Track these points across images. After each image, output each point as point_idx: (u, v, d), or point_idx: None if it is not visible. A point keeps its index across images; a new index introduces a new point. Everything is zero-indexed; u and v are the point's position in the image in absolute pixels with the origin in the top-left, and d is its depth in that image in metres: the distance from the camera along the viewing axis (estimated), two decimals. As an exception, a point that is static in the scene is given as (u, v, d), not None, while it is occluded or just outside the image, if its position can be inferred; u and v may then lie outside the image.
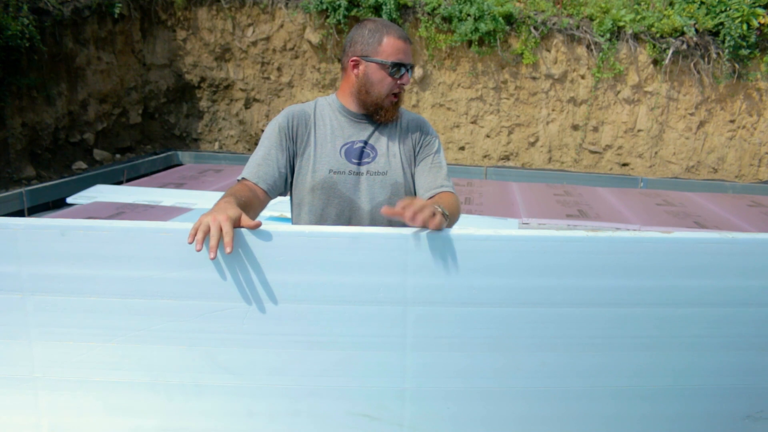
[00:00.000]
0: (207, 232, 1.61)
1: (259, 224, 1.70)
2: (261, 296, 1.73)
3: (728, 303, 1.77)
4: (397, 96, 2.12)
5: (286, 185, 2.15)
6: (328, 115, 2.16)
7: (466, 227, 1.79)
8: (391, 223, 2.08)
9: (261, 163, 2.06)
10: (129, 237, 1.69)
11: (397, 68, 2.07)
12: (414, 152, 2.22)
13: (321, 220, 2.12)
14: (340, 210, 2.11)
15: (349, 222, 2.12)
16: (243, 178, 2.05)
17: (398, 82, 2.09)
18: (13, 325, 1.74)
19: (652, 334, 1.78)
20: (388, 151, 2.16)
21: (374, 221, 2.12)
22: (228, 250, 1.60)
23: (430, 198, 2.11)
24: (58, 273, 1.71)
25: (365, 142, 2.15)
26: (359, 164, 2.12)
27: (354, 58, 2.10)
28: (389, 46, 2.07)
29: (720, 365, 1.82)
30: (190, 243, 1.61)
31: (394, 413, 1.80)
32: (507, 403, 1.82)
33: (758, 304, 1.78)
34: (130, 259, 1.70)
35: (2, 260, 1.70)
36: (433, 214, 1.70)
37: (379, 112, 2.13)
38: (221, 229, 1.61)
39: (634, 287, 1.74)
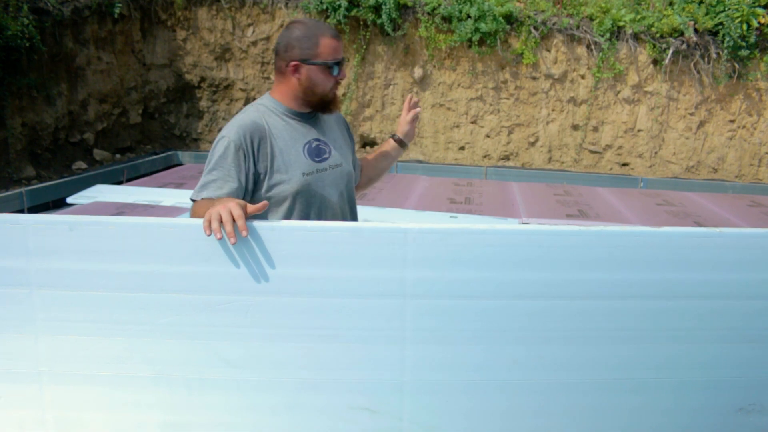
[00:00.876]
0: (220, 221, 1.66)
1: (266, 204, 1.77)
2: (263, 290, 1.75)
3: (718, 296, 1.80)
4: (336, 88, 2.22)
5: None
6: (278, 122, 2.17)
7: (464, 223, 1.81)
8: (353, 210, 2.32)
9: (222, 186, 2.01)
10: (135, 232, 1.73)
11: (337, 66, 2.15)
12: (350, 145, 2.43)
13: None
14: (318, 208, 2.16)
15: (323, 218, 2.18)
16: (207, 198, 2.00)
17: (338, 77, 2.17)
18: (21, 319, 1.77)
19: (642, 326, 1.80)
20: (335, 143, 2.28)
21: (343, 211, 2.25)
22: (244, 233, 1.66)
23: (364, 164, 2.58)
24: (65, 268, 1.74)
25: (318, 139, 2.23)
26: (321, 161, 2.20)
27: (293, 62, 2.12)
28: (326, 46, 2.12)
29: (712, 358, 1.84)
30: (209, 235, 1.66)
31: (394, 407, 1.81)
32: (503, 395, 1.84)
33: (748, 296, 1.80)
34: (136, 254, 1.73)
35: (12, 255, 1.73)
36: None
37: (327, 106, 2.21)
38: (232, 216, 1.67)
39: (625, 280, 1.77)
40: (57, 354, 1.79)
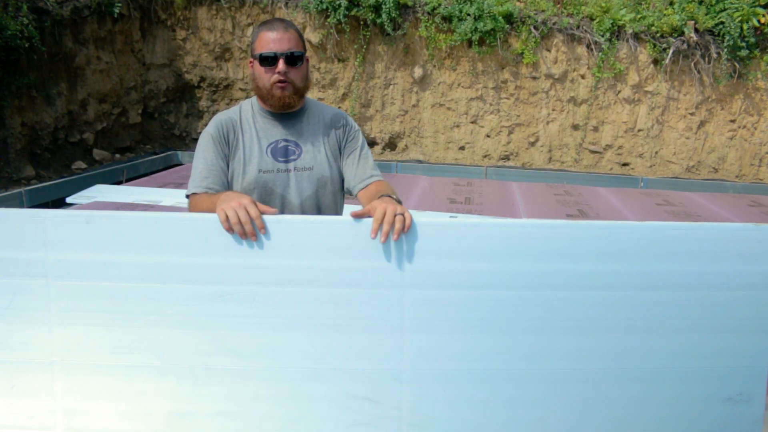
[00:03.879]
0: (239, 221, 1.75)
1: (276, 211, 1.83)
2: (267, 280, 1.80)
3: (706, 287, 1.86)
4: (283, 83, 2.15)
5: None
6: (251, 119, 2.25)
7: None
8: (320, 212, 2.26)
9: (207, 175, 2.14)
10: (148, 225, 1.79)
11: (267, 59, 2.13)
12: (339, 147, 2.32)
13: None
14: (272, 207, 2.14)
15: None
16: (193, 194, 2.12)
17: (275, 70, 2.14)
18: (36, 309, 1.82)
19: (634, 317, 1.85)
20: (312, 147, 2.25)
21: (304, 214, 2.21)
22: (263, 231, 1.77)
23: (364, 188, 2.24)
24: (80, 259, 1.80)
25: (288, 140, 2.23)
26: (286, 161, 2.21)
27: (250, 60, 2.23)
28: (260, 40, 2.16)
29: (699, 348, 1.88)
30: (231, 233, 1.76)
31: (393, 396, 1.85)
32: (498, 385, 1.87)
33: (735, 287, 1.86)
34: (147, 246, 1.79)
35: (30, 247, 1.79)
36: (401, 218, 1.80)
37: (269, 101, 2.20)
38: (250, 215, 1.76)
39: (615, 271, 1.83)
40: (69, 344, 1.83)
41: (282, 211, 2.19)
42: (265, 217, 1.79)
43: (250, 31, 9.36)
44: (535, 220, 1.83)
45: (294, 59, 2.15)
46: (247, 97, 9.59)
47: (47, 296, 1.80)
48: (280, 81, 2.14)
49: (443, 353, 1.84)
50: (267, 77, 2.15)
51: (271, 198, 2.18)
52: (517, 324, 1.84)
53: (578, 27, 8.76)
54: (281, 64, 2.13)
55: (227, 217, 1.75)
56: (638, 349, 1.86)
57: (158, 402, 1.85)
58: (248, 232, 1.75)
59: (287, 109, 2.22)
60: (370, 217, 1.81)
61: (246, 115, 2.25)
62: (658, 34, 8.57)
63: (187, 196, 2.15)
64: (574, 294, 1.83)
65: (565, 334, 1.85)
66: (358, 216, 1.81)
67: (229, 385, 1.84)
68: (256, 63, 2.16)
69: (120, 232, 1.78)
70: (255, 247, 1.78)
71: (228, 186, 2.18)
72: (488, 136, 9.46)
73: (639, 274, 1.83)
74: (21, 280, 1.80)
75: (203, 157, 2.17)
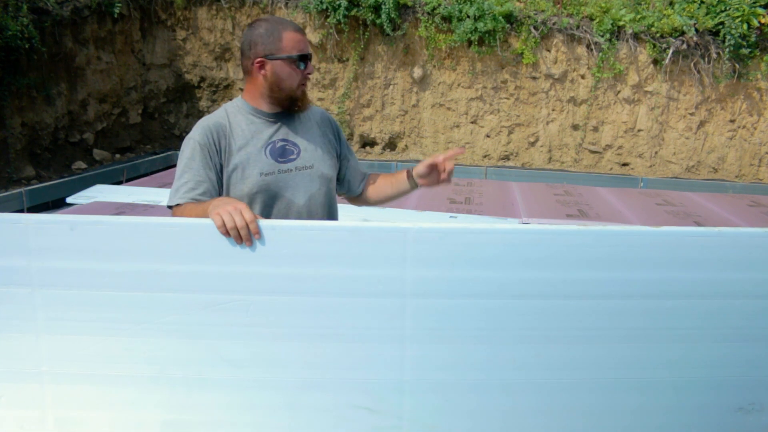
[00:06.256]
0: (237, 227, 1.70)
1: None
2: (264, 289, 1.75)
3: (718, 295, 1.80)
4: (304, 85, 2.17)
5: None
6: (242, 121, 2.15)
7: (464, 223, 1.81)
8: (329, 214, 2.24)
9: (195, 187, 2.01)
10: (136, 231, 1.73)
11: (302, 60, 2.11)
12: (332, 146, 2.32)
13: None
14: (278, 209, 2.13)
15: (286, 218, 2.13)
16: (177, 205, 2.01)
17: (305, 72, 2.13)
18: (22, 319, 1.77)
19: (643, 326, 1.81)
20: (309, 144, 2.21)
21: (310, 214, 2.17)
22: (257, 237, 1.73)
23: (366, 183, 2.45)
24: (66, 267, 1.74)
25: (285, 140, 2.17)
26: (286, 161, 2.15)
27: (258, 59, 2.09)
28: (290, 40, 2.09)
29: (711, 357, 1.84)
30: (228, 236, 1.72)
31: (394, 406, 1.81)
32: (503, 394, 1.83)
33: (746, 296, 1.81)
34: (137, 253, 1.73)
35: (13, 254, 1.73)
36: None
37: (294, 104, 2.16)
38: (245, 219, 1.71)
39: (624, 279, 1.77)
40: (58, 353, 1.79)
41: (287, 212, 2.14)
42: (260, 223, 1.74)
43: (250, 30, 9.34)
44: (543, 227, 1.75)
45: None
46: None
47: (33, 305, 1.75)
48: (303, 83, 2.15)
49: (445, 363, 1.80)
50: (297, 78, 2.11)
51: (276, 200, 2.12)
52: (526, 333, 1.79)
53: (578, 27, 8.74)
54: (311, 67, 2.15)
55: (223, 221, 1.69)
56: (650, 359, 1.82)
57: (152, 411, 1.82)
58: (243, 236, 1.70)
59: (304, 110, 2.22)
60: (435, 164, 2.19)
61: (234, 118, 2.14)
62: (658, 35, 8.55)
63: (170, 207, 2.03)
64: (583, 302, 1.78)
65: (576, 343, 1.81)
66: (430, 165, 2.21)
67: (224, 394, 1.80)
68: (286, 63, 2.08)
69: (106, 239, 1.72)
70: (250, 255, 1.73)
71: (218, 196, 2.06)
72: (488, 136, 9.45)
73: (652, 282, 1.77)
74: (5, 288, 1.75)
75: (189, 167, 2.04)
